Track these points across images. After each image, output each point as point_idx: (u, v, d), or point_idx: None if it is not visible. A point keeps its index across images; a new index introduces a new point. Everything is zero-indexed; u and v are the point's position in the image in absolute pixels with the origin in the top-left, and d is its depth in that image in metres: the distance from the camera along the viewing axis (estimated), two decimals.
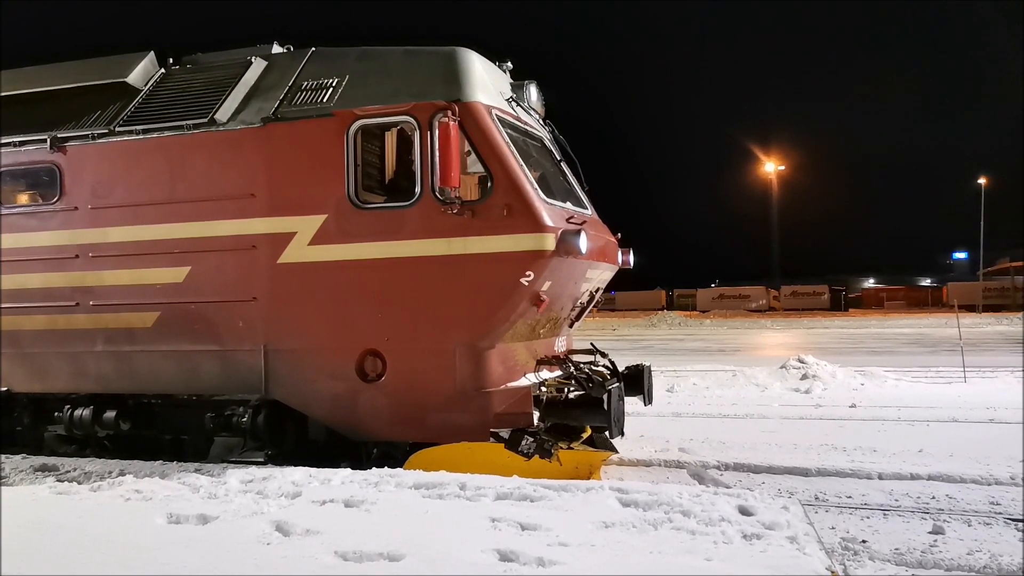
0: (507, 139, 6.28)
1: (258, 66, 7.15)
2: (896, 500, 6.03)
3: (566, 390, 6.68)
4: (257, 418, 6.63)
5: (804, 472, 6.89)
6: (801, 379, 12.89)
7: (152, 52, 7.68)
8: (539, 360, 6.90)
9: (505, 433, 6.26)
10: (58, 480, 6.39)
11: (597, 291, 7.68)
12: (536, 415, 6.17)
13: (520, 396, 6.16)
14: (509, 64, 7.31)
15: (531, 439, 6.08)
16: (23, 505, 4.97)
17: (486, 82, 6.58)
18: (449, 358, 6.18)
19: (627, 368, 7.47)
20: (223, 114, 6.79)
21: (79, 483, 5.83)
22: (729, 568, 3.63)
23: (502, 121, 6.44)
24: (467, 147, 6.38)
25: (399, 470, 5.66)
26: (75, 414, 7.20)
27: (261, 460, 6.94)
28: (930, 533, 5.18)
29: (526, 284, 6.01)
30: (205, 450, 7.35)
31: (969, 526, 5.33)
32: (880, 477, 6.64)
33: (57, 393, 7.38)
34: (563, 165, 7.69)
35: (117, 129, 7.09)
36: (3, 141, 7.44)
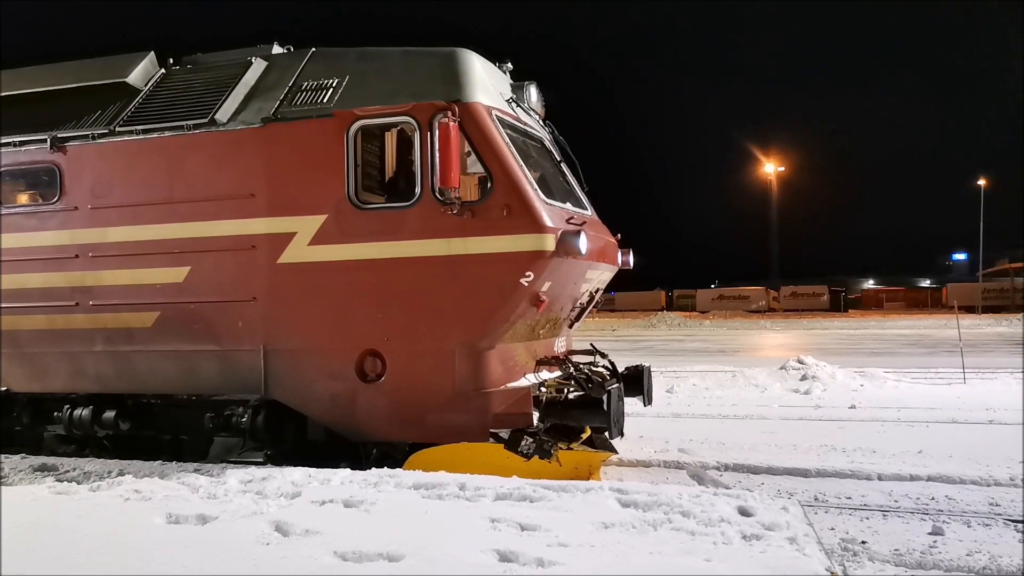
0: (507, 139, 6.28)
1: (258, 66, 7.15)
2: (896, 501, 6.03)
3: (566, 390, 6.67)
4: (256, 418, 6.64)
5: (804, 473, 6.89)
6: (801, 380, 12.88)
7: (152, 52, 7.68)
8: (539, 360, 6.90)
9: (504, 433, 6.26)
10: (57, 480, 6.39)
11: (597, 291, 7.68)
12: (536, 415, 6.17)
13: (519, 396, 6.16)
14: (509, 65, 7.31)
15: (530, 439, 6.08)
16: (22, 505, 4.97)
17: (486, 82, 6.58)
18: (449, 358, 6.18)
19: (627, 369, 7.47)
20: (223, 114, 6.79)
21: (78, 483, 5.83)
22: (729, 569, 3.63)
23: (502, 122, 6.44)
24: (467, 147, 6.38)
25: (398, 470, 5.66)
26: (74, 414, 7.19)
27: (260, 460, 6.94)
28: (929, 534, 5.17)
29: (526, 284, 6.01)
30: (204, 450, 7.34)
31: (968, 527, 5.33)
32: (880, 478, 6.64)
33: (56, 393, 7.38)
34: (563, 166, 7.69)
35: (117, 129, 7.09)
36: (3, 141, 7.44)
